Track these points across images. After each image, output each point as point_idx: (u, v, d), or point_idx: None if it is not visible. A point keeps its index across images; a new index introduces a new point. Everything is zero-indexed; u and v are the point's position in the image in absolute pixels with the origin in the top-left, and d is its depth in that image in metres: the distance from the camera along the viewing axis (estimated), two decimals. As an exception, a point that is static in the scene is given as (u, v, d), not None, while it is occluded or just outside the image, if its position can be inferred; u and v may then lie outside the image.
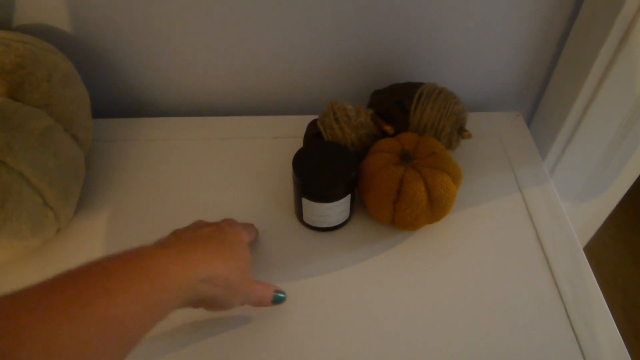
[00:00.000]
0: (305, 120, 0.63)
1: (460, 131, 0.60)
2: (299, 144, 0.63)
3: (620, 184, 0.78)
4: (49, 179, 0.49)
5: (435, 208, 0.52)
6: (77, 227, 0.57)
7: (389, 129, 0.59)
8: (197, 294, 0.36)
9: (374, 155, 0.55)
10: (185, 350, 0.47)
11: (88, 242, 0.55)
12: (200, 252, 0.38)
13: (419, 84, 0.61)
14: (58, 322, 0.26)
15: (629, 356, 0.46)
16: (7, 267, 0.53)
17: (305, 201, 0.52)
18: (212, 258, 0.38)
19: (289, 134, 0.68)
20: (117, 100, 0.73)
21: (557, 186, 0.62)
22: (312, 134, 0.60)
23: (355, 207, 0.57)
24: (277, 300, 0.47)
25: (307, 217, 0.55)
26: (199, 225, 0.44)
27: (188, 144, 0.67)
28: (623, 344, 0.47)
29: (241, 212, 0.58)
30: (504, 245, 0.55)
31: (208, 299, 0.38)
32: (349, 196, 0.53)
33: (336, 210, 0.53)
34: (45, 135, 0.50)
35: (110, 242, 0.56)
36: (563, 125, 0.67)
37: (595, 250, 1.13)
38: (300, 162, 0.52)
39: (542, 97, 0.73)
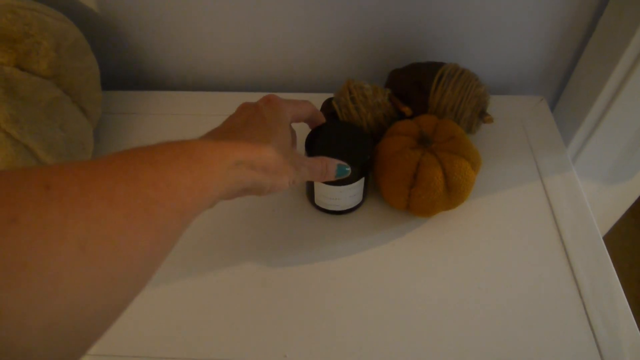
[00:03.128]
0: (319, 98, 0.61)
1: (482, 115, 0.57)
2: (312, 123, 0.61)
3: (645, 174, 0.75)
4: (55, 152, 0.48)
5: (453, 194, 0.50)
6: (85, 202, 0.56)
7: (407, 110, 0.56)
8: (238, 179, 0.34)
9: (390, 137, 0.53)
10: (196, 340, 0.46)
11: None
12: (234, 139, 0.36)
13: (440, 64, 0.58)
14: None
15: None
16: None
17: (317, 183, 0.51)
18: (247, 144, 0.36)
19: (302, 112, 0.65)
20: (128, 72, 0.71)
21: (578, 173, 0.59)
22: (327, 113, 0.58)
23: (369, 190, 0.55)
24: (341, 173, 0.45)
25: (318, 200, 0.53)
26: (237, 113, 0.42)
27: (199, 119, 0.65)
28: (642, 341, 0.46)
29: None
30: (522, 234, 0.53)
31: (251, 184, 0.36)
32: (362, 179, 0.51)
33: (349, 193, 0.51)
34: (52, 106, 0.49)
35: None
36: (589, 112, 0.64)
37: (612, 238, 1.10)
38: (314, 142, 0.50)
39: (568, 80, 0.70)
